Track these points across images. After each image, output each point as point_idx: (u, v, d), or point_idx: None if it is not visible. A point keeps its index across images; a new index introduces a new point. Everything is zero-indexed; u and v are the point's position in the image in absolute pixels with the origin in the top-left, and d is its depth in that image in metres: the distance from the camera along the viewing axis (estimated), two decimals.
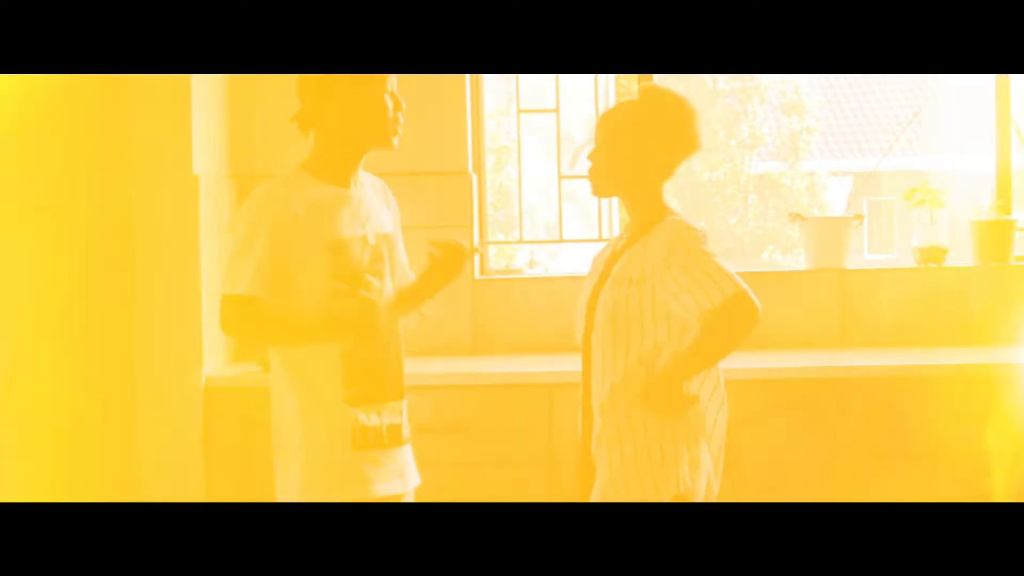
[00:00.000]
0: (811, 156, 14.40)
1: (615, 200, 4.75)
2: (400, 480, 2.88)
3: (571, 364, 3.86)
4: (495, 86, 4.81)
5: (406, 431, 2.92)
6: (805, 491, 3.66)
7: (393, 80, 2.90)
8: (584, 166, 2.99)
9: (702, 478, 2.85)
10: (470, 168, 4.37)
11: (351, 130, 2.86)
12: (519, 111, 4.54)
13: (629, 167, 2.91)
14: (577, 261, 5.65)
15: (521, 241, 4.58)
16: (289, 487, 2.83)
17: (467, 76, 4.39)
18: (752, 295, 2.74)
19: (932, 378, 3.74)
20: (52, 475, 4.13)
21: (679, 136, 2.92)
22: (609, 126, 2.96)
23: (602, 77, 4.73)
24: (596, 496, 2.85)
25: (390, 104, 2.88)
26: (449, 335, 4.31)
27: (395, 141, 2.91)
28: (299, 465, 2.80)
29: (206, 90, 3.90)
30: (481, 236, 4.49)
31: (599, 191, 3.00)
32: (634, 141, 2.90)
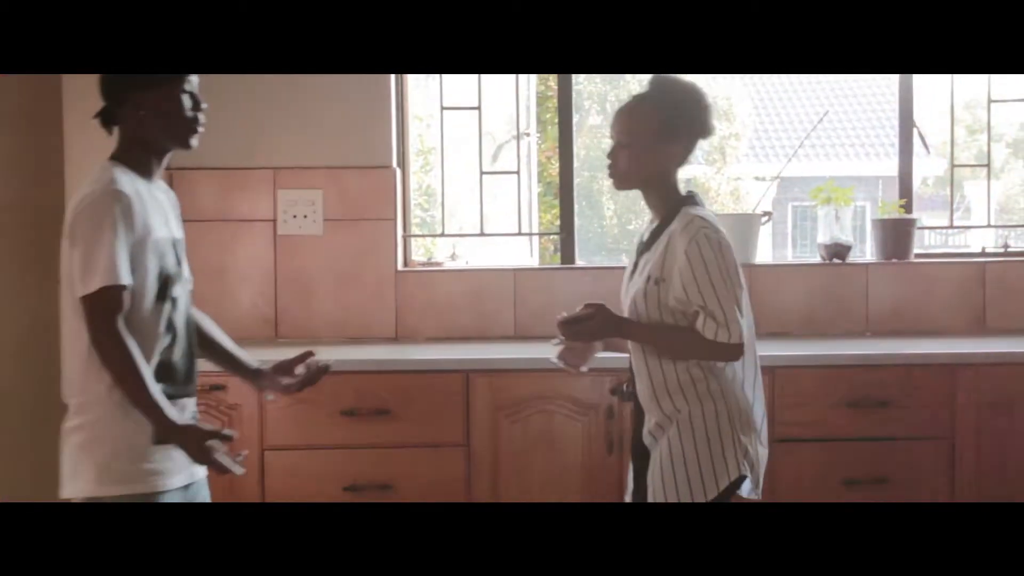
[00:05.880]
0: (738, 160, 14.60)
1: (534, 197, 4.89)
2: (188, 471, 2.77)
3: (487, 351, 4.05)
4: (422, 85, 4.88)
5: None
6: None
7: (194, 80, 2.81)
8: (608, 162, 3.01)
9: (758, 466, 2.93)
10: (395, 163, 4.44)
11: (147, 129, 2.77)
12: (443, 108, 4.59)
13: (645, 160, 2.94)
14: (498, 255, 5.58)
15: (443, 235, 4.68)
16: (84, 476, 2.68)
17: (392, 75, 4.45)
18: (741, 339, 2.82)
19: (834, 367, 3.86)
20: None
21: (689, 122, 2.95)
22: (623, 121, 2.98)
23: (523, 78, 4.79)
24: (652, 476, 2.93)
25: (188, 104, 2.79)
26: (373, 323, 4.42)
27: (193, 141, 2.81)
28: (100, 456, 2.67)
29: None
30: (404, 229, 4.57)
31: (619, 185, 3.02)
32: (647, 133, 2.93)
